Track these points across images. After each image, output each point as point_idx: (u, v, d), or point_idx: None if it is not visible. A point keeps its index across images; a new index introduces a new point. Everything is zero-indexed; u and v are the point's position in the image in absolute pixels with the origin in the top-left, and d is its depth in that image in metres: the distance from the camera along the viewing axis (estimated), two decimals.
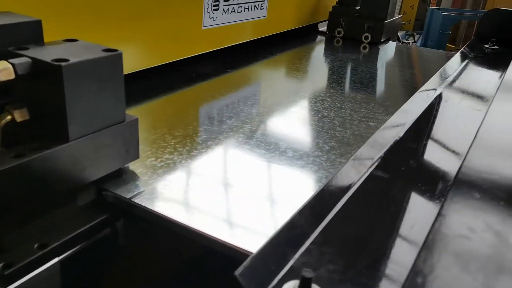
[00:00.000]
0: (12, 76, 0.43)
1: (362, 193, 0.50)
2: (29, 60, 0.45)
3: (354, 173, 0.55)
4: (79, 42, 0.52)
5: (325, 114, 0.83)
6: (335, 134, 0.74)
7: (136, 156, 0.56)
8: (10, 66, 0.43)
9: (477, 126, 0.57)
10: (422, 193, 0.52)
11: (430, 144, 0.70)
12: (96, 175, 0.51)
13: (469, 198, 0.37)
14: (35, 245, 0.46)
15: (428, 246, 0.31)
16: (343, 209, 0.46)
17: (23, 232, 0.47)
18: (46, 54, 0.46)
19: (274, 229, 0.44)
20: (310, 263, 0.39)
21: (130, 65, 0.84)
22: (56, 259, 0.47)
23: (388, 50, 1.44)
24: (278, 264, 0.38)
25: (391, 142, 0.64)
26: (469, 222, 0.34)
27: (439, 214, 0.34)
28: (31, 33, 0.49)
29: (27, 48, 0.47)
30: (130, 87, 0.64)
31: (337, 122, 0.79)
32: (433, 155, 0.66)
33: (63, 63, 0.44)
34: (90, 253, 0.51)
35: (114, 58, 0.49)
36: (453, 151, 0.69)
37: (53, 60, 0.44)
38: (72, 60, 0.45)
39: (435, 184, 0.52)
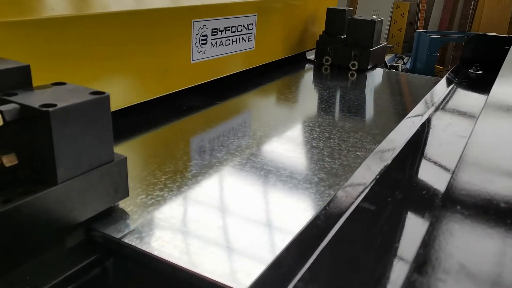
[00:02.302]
0: (0, 123, 0.44)
1: (349, 227, 0.50)
2: (17, 106, 0.45)
3: (341, 205, 0.55)
4: (67, 86, 0.53)
5: (314, 144, 0.84)
6: (324, 165, 0.75)
7: (125, 194, 0.57)
8: None
9: (459, 153, 0.58)
10: (408, 226, 0.52)
11: (416, 174, 0.71)
12: (85, 216, 0.51)
13: (449, 239, 0.38)
14: None
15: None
16: (330, 244, 0.46)
17: (11, 277, 0.46)
18: (34, 100, 0.47)
19: (265, 266, 0.44)
20: None
21: (120, 101, 0.85)
22: None
23: (375, 77, 1.46)
24: None
25: (377, 173, 0.65)
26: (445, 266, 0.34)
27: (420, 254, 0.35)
28: (20, 78, 0.50)
29: (15, 94, 0.48)
30: (120, 122, 0.65)
31: (325, 153, 0.80)
32: (419, 184, 0.67)
33: (50, 109, 0.45)
34: None
35: (101, 100, 0.50)
36: (438, 179, 0.70)
37: (40, 106, 0.45)
38: (60, 105, 0.46)
39: (422, 216, 0.53)
